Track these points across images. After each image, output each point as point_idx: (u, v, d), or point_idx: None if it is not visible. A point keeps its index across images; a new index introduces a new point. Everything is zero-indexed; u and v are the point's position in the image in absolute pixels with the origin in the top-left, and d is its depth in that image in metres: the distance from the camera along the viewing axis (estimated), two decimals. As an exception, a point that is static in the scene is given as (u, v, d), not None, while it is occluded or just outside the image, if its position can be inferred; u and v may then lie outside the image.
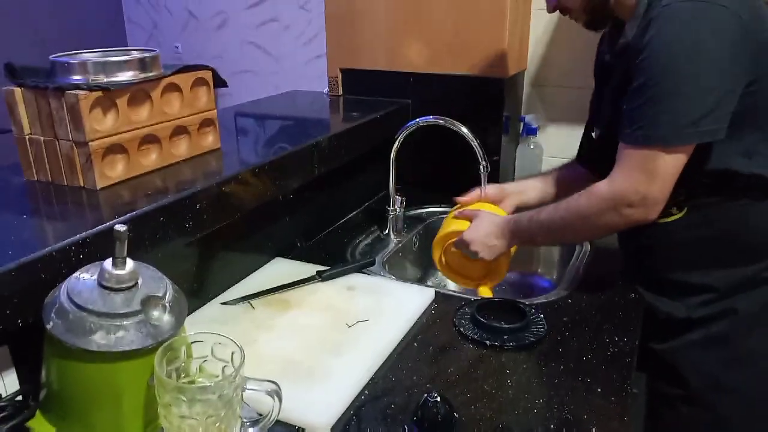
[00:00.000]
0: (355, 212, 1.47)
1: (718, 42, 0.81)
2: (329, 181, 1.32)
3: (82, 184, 0.89)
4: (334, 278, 1.10)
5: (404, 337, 0.94)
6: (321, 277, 1.09)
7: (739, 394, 0.97)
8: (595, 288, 1.10)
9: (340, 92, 1.64)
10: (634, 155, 0.88)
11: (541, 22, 1.58)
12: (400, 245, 1.32)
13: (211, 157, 1.07)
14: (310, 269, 1.12)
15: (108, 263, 0.65)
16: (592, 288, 1.10)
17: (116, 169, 0.92)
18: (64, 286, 0.65)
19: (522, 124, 1.58)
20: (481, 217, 1.10)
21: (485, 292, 1.13)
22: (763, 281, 0.94)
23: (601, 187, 0.93)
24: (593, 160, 1.06)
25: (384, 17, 1.52)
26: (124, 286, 0.65)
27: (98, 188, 0.89)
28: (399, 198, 1.34)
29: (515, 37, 1.48)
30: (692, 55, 0.81)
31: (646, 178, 0.87)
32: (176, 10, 3.40)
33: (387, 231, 1.35)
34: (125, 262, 0.65)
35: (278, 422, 0.74)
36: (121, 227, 0.63)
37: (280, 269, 1.14)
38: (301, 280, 1.08)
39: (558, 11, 1.03)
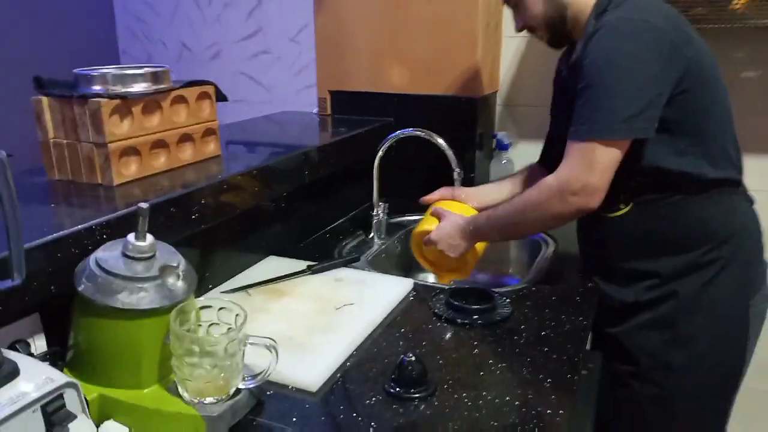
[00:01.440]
0: (341, 219, 1.60)
1: (650, 54, 0.96)
2: (318, 190, 1.45)
3: (100, 182, 1.01)
4: (323, 272, 1.21)
5: (386, 318, 1.05)
6: (311, 270, 1.20)
7: (682, 373, 1.08)
8: (557, 279, 1.23)
9: (329, 112, 1.78)
10: (576, 149, 1.01)
11: (511, 48, 1.74)
12: (383, 247, 1.44)
13: (212, 162, 1.19)
14: (301, 264, 1.23)
15: (131, 236, 0.76)
16: (553, 280, 1.23)
17: (130, 169, 1.04)
18: (92, 257, 0.77)
19: (495, 141, 1.73)
20: (447, 219, 1.23)
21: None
22: (699, 266, 1.07)
23: (549, 178, 1.05)
24: (553, 162, 1.20)
25: (369, 43, 1.67)
26: (144, 255, 0.76)
27: (115, 184, 1.00)
28: (382, 204, 1.46)
29: (487, 60, 1.64)
30: (628, 62, 0.96)
31: (587, 168, 0.99)
32: (171, 42, 3.55)
33: (371, 235, 1.47)
34: (146, 235, 0.77)
35: (274, 384, 0.85)
36: (144, 204, 0.75)
37: (273, 265, 1.25)
38: (293, 273, 1.19)
39: (526, 30, 1.18)
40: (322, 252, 1.38)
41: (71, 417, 0.61)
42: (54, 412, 0.59)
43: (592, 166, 1.00)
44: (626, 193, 1.09)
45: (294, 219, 1.40)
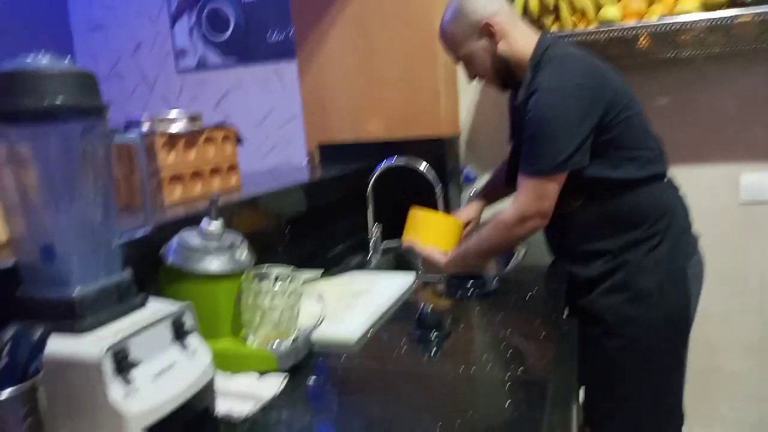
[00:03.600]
0: (340, 246, 1.81)
1: (574, 105, 1.25)
2: (319, 220, 1.67)
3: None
4: (335, 275, 1.42)
5: (398, 298, 1.27)
6: (325, 274, 1.41)
7: (640, 322, 1.32)
8: (533, 266, 1.47)
9: (318, 162, 2.04)
10: (527, 184, 1.29)
11: (468, 98, 2.06)
12: (381, 260, 1.66)
13: (236, 192, 1.41)
14: (315, 273, 1.44)
15: (205, 222, 0.97)
16: (530, 266, 1.47)
17: (176, 193, 1.25)
18: (175, 239, 0.97)
19: (462, 175, 2.01)
20: (430, 255, 1.47)
21: None
22: (641, 240, 1.33)
23: (508, 212, 1.32)
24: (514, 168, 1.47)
25: (349, 99, 1.97)
26: (216, 234, 0.97)
27: (166, 204, 1.21)
28: (378, 225, 1.70)
29: (448, 108, 1.95)
30: (558, 115, 1.25)
31: (537, 199, 1.28)
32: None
33: (369, 254, 1.70)
34: (217, 219, 0.98)
35: (319, 342, 1.04)
36: (215, 194, 0.97)
37: (291, 277, 1.45)
38: (309, 277, 1.40)
39: (477, 79, 1.48)
40: (329, 267, 1.58)
41: (190, 331, 0.80)
42: (179, 326, 0.78)
43: (541, 197, 1.29)
44: (576, 197, 1.35)
45: (302, 245, 1.60)
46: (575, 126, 1.25)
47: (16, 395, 0.58)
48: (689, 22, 1.60)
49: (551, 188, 1.28)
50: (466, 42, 1.40)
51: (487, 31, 1.37)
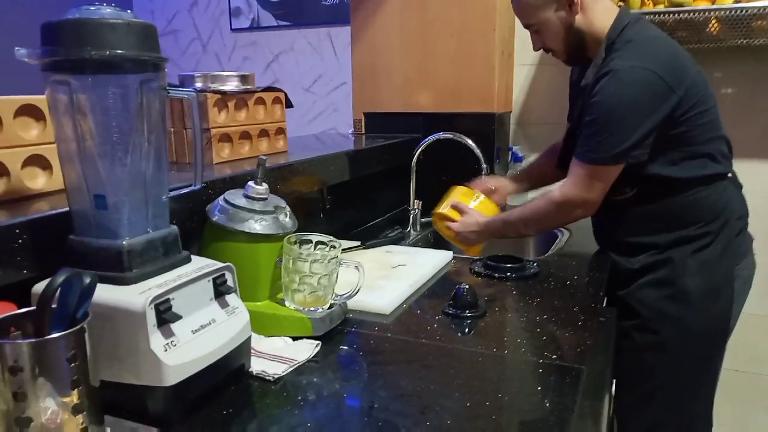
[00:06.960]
0: (380, 219, 1.82)
1: (644, 98, 1.18)
2: (361, 192, 1.67)
3: (201, 161, 1.24)
4: (374, 247, 1.42)
5: (435, 274, 1.26)
6: (365, 245, 1.42)
7: (676, 321, 1.28)
8: (575, 253, 1.44)
9: (363, 131, 2.03)
10: (579, 170, 1.25)
11: (522, 75, 2.01)
12: (419, 237, 1.66)
13: (282, 155, 1.42)
14: (354, 243, 1.44)
15: (252, 183, 0.98)
16: (573, 253, 1.44)
17: (224, 152, 1.27)
18: (221, 198, 0.98)
19: (510, 154, 1.97)
20: (469, 215, 1.43)
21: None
22: (691, 238, 1.28)
23: (555, 193, 1.29)
24: (566, 153, 1.42)
25: (400, 71, 1.94)
26: (262, 196, 0.98)
27: (214, 163, 1.23)
28: (418, 201, 1.69)
29: (502, 84, 1.91)
30: (626, 105, 1.19)
31: (587, 187, 1.24)
32: (196, 90, 3.86)
33: (408, 228, 1.69)
34: (264, 181, 0.98)
35: (354, 310, 1.05)
36: (263, 156, 0.98)
37: (330, 244, 1.46)
38: (350, 247, 1.40)
39: (543, 51, 1.41)
40: (367, 239, 1.59)
41: (230, 289, 0.81)
42: (220, 284, 0.80)
43: (591, 186, 1.25)
44: (631, 185, 1.30)
45: (341, 215, 1.61)
46: (641, 119, 1.19)
47: (64, 337, 0.60)
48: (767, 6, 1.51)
49: (603, 177, 1.24)
50: (542, 10, 1.31)
51: (568, 1, 1.28)
